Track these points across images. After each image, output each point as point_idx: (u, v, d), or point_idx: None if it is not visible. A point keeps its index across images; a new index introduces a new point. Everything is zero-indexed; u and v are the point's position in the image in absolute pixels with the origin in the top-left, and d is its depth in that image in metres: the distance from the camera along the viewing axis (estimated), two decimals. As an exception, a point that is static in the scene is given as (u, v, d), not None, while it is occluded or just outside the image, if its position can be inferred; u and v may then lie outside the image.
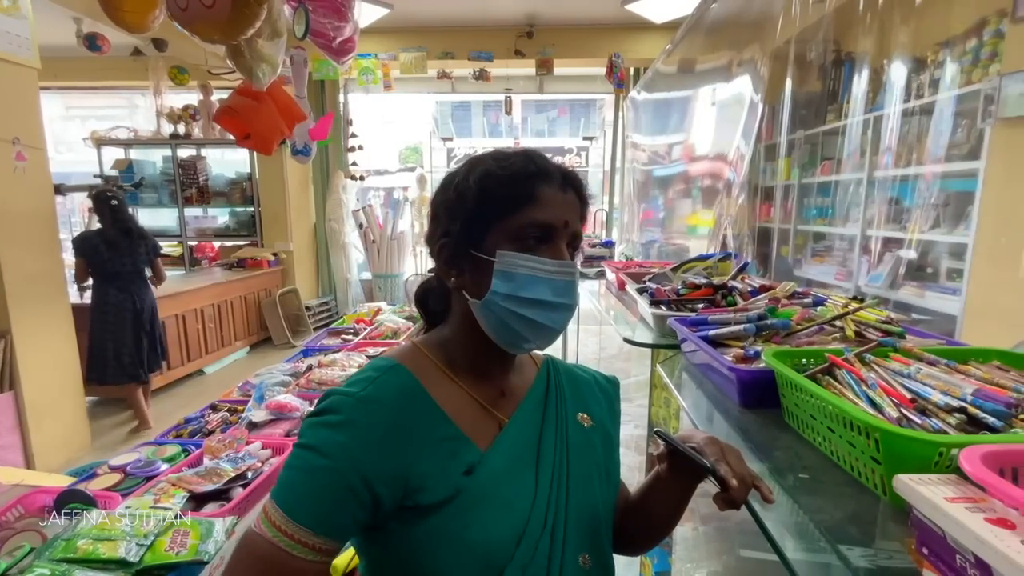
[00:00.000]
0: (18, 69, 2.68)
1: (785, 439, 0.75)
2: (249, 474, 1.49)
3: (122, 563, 1.04)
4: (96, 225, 3.35)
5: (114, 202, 3.24)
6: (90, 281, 3.23)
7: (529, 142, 9.43)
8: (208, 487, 1.40)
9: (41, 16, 2.89)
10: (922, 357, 0.73)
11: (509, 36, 5.15)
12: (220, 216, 5.86)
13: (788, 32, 2.15)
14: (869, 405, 0.63)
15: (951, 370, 0.69)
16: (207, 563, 1.11)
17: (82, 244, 3.15)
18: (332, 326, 3.44)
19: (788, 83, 2.50)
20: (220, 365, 4.74)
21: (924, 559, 0.45)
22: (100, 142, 5.41)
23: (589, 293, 2.26)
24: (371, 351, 2.65)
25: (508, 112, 5.82)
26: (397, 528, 0.57)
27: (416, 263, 6.35)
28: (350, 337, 3.09)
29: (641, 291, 1.48)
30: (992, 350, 0.76)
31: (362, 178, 6.00)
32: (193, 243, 5.73)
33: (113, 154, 5.54)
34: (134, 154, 5.62)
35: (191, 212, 5.67)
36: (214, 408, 2.09)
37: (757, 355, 0.87)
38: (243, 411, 1.95)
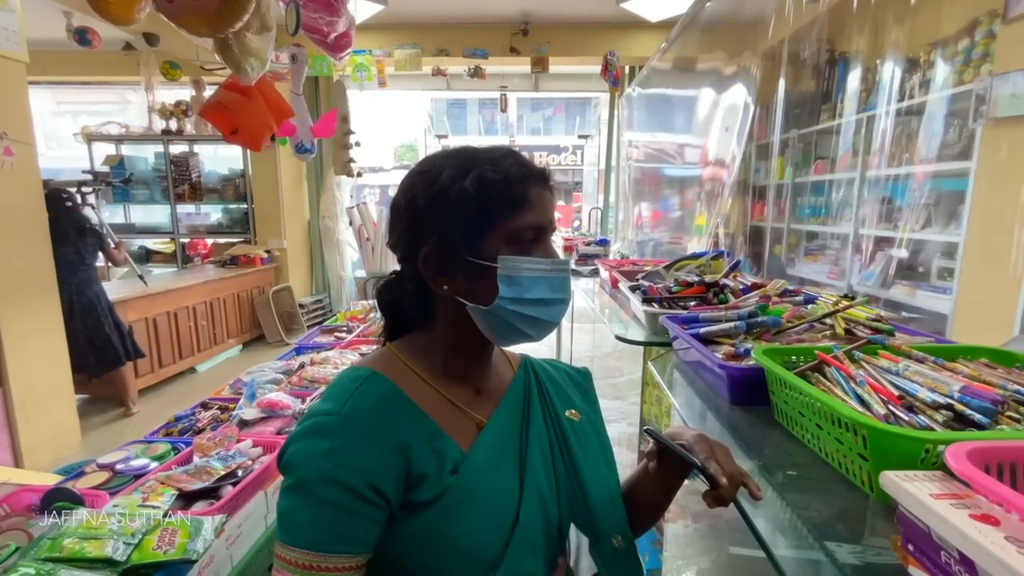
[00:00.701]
0: (5, 62, 2.65)
1: (774, 436, 0.75)
2: (239, 472, 1.47)
3: (109, 562, 1.03)
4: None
5: (68, 203, 3.34)
6: None
7: (525, 140, 9.43)
8: (197, 485, 1.39)
9: (30, 9, 2.85)
10: (911, 354, 0.73)
11: (504, 33, 5.13)
12: (213, 213, 5.81)
13: (781, 32, 2.15)
14: (858, 402, 0.63)
15: (939, 367, 0.69)
16: (195, 562, 1.10)
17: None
18: (325, 324, 3.42)
19: (782, 83, 2.50)
20: (212, 363, 4.71)
21: (910, 556, 0.45)
22: (91, 138, 5.36)
23: (583, 291, 2.26)
24: (364, 349, 2.64)
25: (503, 110, 5.81)
26: (387, 528, 0.57)
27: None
28: (343, 335, 3.07)
29: (634, 289, 1.48)
30: (981, 348, 0.76)
31: (359, 175, 5.96)
32: (185, 240, 5.68)
33: (104, 150, 5.48)
34: (125, 150, 5.56)
35: (183, 209, 5.62)
36: (205, 406, 2.07)
37: (747, 352, 0.87)
38: (234, 409, 1.93)
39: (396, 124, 8.64)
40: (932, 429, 0.56)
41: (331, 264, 6.02)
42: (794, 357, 0.81)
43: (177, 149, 5.48)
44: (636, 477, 0.73)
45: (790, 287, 1.20)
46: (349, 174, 5.66)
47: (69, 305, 3.21)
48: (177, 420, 1.94)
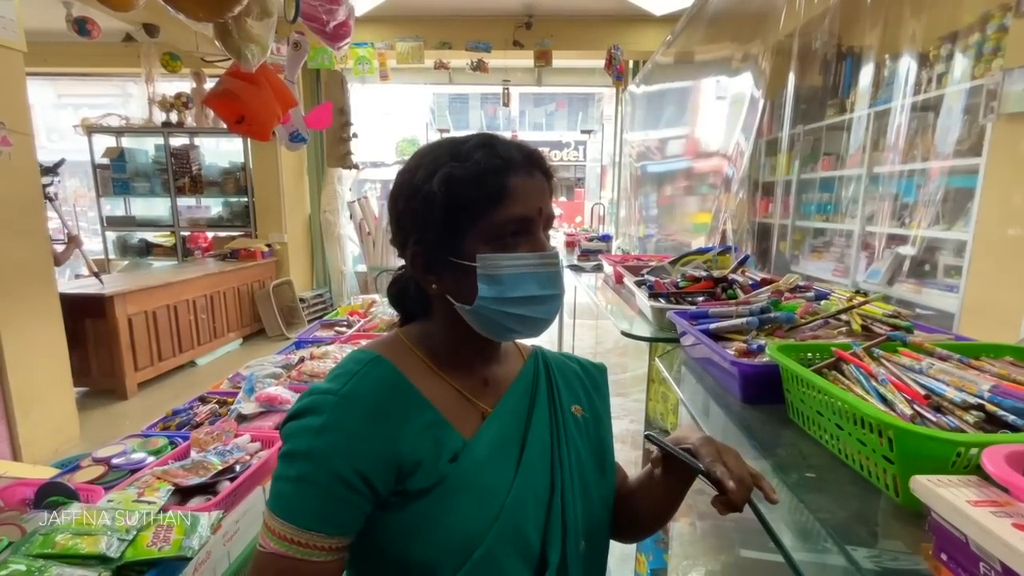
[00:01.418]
0: (2, 51, 2.62)
1: (789, 436, 0.73)
2: (237, 467, 1.45)
3: (102, 559, 1.01)
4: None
5: None
6: None
7: (527, 135, 9.39)
8: (194, 480, 1.36)
9: (28, -2, 2.82)
10: (933, 352, 0.71)
11: (507, 27, 5.09)
12: (213, 206, 5.78)
13: (791, 25, 2.11)
14: (880, 401, 0.61)
15: (964, 366, 0.66)
16: (191, 559, 1.08)
17: None
18: (326, 318, 3.39)
19: (791, 77, 2.46)
20: (212, 357, 4.69)
21: (943, 565, 0.42)
22: (91, 130, 5.32)
23: (586, 287, 2.23)
24: (364, 343, 2.62)
25: (506, 104, 5.77)
26: (381, 515, 0.57)
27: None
28: (344, 329, 3.05)
29: (640, 284, 1.45)
30: (1004, 345, 0.74)
31: (357, 167, 5.93)
32: (186, 233, 5.65)
33: (104, 142, 5.44)
34: (126, 142, 5.52)
35: (184, 202, 5.58)
36: (203, 400, 2.05)
37: (760, 349, 0.85)
38: (232, 403, 1.91)
39: (398, 118, 8.60)
40: (962, 431, 0.53)
41: (332, 258, 6.00)
42: (809, 354, 0.78)
43: (177, 141, 5.45)
44: (642, 480, 0.72)
45: (801, 283, 1.18)
46: (346, 167, 5.62)
47: None
48: (175, 414, 1.92)
